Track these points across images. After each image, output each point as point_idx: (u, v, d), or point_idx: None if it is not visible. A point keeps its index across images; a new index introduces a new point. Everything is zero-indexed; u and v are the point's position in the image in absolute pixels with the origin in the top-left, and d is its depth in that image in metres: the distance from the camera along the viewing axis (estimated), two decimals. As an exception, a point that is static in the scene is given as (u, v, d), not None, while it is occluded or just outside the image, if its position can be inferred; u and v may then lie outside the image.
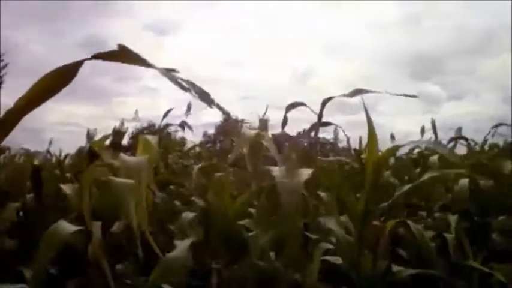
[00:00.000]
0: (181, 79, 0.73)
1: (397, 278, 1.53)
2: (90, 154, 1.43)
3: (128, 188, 1.13)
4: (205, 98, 0.73)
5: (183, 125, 3.34)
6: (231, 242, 1.59)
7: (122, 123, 3.11)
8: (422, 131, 3.16)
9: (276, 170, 1.31)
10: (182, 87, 0.71)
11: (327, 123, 2.02)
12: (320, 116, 1.62)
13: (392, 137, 3.40)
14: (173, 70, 0.74)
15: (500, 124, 3.03)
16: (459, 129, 3.15)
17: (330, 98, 1.52)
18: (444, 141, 2.90)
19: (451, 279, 1.55)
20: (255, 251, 1.56)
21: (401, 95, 1.29)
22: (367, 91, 1.44)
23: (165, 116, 3.23)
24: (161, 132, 3.55)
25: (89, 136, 3.07)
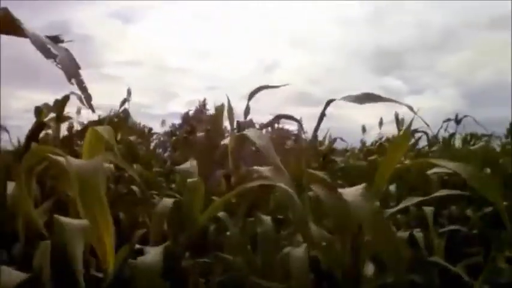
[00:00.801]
0: (53, 44, 0.63)
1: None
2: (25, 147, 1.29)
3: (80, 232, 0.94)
4: (69, 70, 0.63)
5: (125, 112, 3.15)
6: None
7: (79, 112, 2.91)
8: (380, 123, 3.22)
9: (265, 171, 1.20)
10: (48, 55, 0.61)
11: (288, 116, 1.95)
12: (322, 115, 1.53)
13: (364, 129, 3.43)
14: (57, 37, 0.64)
15: (449, 119, 3.12)
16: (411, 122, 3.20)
17: (331, 100, 1.44)
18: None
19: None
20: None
21: (404, 105, 1.20)
22: (381, 98, 1.28)
23: (122, 104, 3.07)
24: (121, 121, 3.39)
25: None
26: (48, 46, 0.62)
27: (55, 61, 0.62)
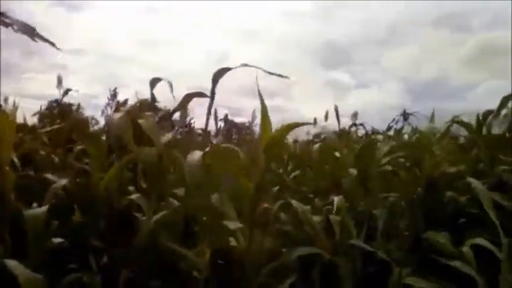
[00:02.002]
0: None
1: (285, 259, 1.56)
2: None
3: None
4: (28, 31, 0.72)
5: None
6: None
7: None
8: (326, 116, 3.30)
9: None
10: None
11: (198, 94, 1.93)
12: (212, 94, 1.57)
13: (315, 121, 3.49)
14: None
15: (403, 114, 3.25)
16: (355, 115, 3.33)
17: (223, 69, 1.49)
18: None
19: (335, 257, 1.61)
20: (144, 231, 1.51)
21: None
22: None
23: (65, 94, 2.99)
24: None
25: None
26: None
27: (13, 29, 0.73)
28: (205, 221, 1.54)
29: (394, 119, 3.55)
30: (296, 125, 1.50)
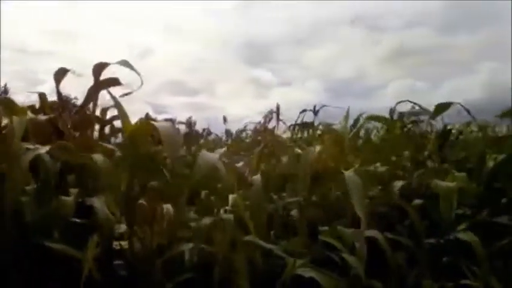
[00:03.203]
0: None
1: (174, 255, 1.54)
2: None
3: None
4: None
5: None
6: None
7: None
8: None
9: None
10: None
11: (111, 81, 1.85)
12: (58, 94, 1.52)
13: (225, 119, 3.51)
14: None
15: (305, 110, 3.35)
16: (270, 112, 3.39)
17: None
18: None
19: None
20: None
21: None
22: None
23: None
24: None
25: None
26: None
27: None
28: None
29: (298, 116, 3.58)
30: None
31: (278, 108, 3.46)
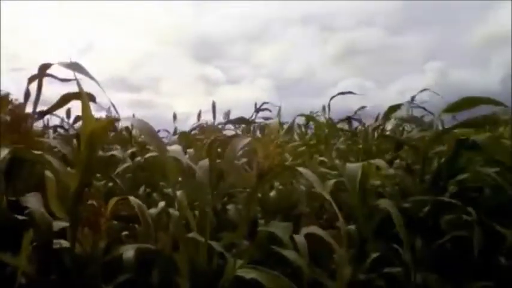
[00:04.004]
0: None
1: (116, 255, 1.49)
2: None
3: None
4: None
5: None
6: None
7: None
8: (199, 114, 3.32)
9: None
10: None
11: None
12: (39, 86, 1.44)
13: (174, 116, 3.46)
14: None
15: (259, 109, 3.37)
16: (227, 113, 3.41)
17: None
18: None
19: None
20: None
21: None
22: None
23: None
24: None
25: None
26: None
27: None
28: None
29: (252, 115, 3.59)
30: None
31: (214, 105, 3.47)
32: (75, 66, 1.42)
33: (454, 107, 2.09)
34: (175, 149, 1.47)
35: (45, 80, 1.91)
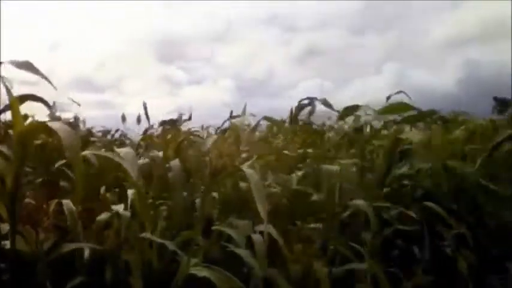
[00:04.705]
0: None
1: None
2: None
3: None
4: None
5: None
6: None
7: None
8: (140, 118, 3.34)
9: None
10: None
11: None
12: None
13: (139, 119, 3.43)
14: None
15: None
16: (181, 116, 3.42)
17: None
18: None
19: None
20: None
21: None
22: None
23: None
24: None
25: None
26: None
27: None
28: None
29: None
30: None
31: (145, 107, 3.44)
32: (27, 66, 1.39)
33: (386, 111, 2.49)
34: (126, 151, 1.46)
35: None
